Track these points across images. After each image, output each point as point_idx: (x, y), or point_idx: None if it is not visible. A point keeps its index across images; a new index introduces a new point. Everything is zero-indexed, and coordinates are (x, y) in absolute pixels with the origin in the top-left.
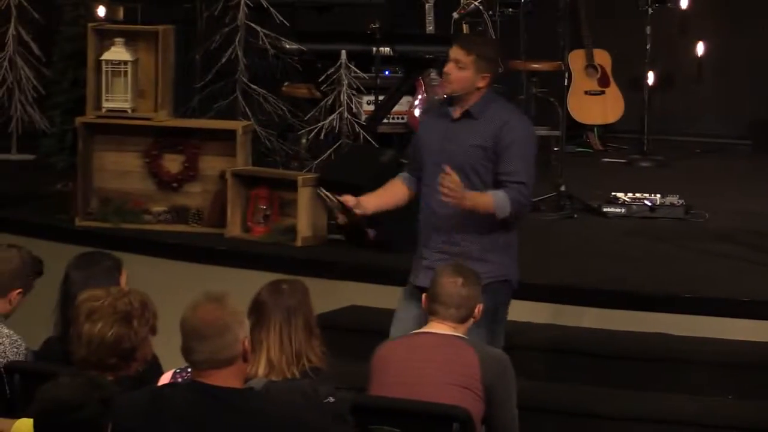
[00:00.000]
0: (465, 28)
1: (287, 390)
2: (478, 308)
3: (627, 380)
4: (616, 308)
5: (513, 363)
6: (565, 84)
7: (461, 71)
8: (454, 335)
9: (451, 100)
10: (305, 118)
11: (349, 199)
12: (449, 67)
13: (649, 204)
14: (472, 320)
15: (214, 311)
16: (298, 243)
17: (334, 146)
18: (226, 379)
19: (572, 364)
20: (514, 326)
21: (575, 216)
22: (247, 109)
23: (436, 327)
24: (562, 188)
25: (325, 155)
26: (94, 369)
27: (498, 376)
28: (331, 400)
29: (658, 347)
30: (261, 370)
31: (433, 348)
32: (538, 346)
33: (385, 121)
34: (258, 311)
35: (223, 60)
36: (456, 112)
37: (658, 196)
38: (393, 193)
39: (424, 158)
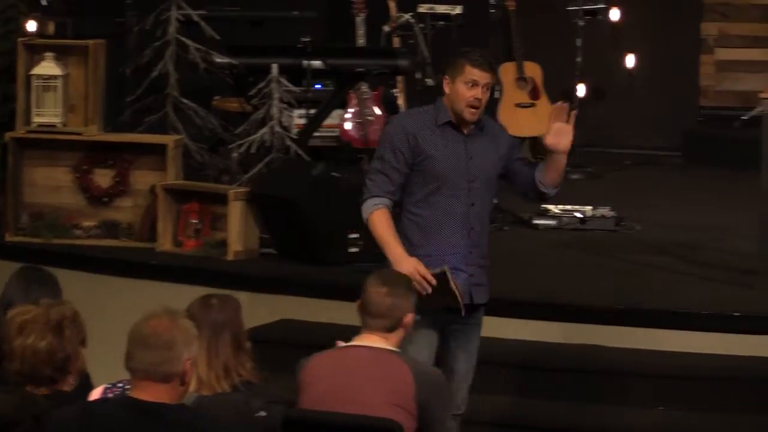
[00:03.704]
0: (396, 42)
1: (218, 405)
2: (408, 317)
3: (561, 392)
4: (549, 320)
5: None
6: (496, 96)
7: (486, 93)
8: (388, 349)
9: (443, 113)
10: (236, 132)
11: (429, 277)
12: (482, 93)
13: (580, 216)
14: (402, 330)
15: (165, 324)
16: (230, 257)
17: (265, 160)
18: (159, 395)
19: (506, 377)
20: None
21: (506, 228)
22: (178, 123)
23: (368, 339)
24: (494, 201)
25: (256, 169)
26: (29, 383)
27: (433, 395)
28: (263, 414)
29: (591, 359)
30: (191, 386)
31: (367, 364)
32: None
33: (316, 134)
34: None
35: (154, 74)
36: (465, 129)
37: (589, 208)
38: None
39: (449, 176)
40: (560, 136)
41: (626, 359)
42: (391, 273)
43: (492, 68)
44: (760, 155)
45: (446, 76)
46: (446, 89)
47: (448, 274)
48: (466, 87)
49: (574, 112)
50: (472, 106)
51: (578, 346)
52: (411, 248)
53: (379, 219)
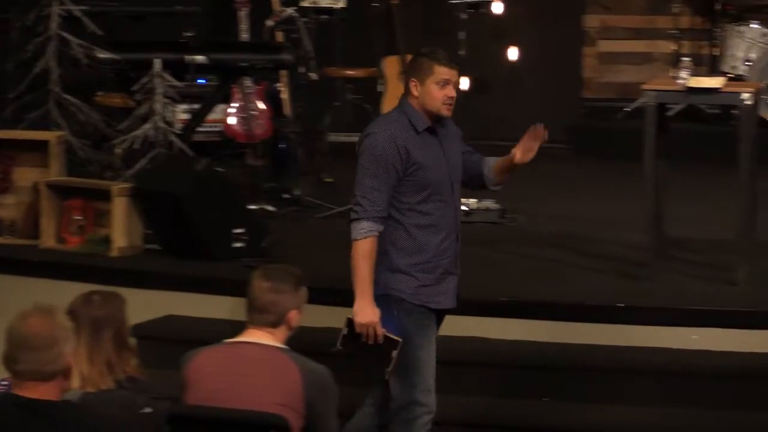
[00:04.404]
0: (279, 36)
1: (103, 401)
2: (292, 314)
3: (446, 383)
4: None
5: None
6: (380, 90)
7: (455, 90)
8: (276, 347)
9: (419, 119)
10: (119, 128)
11: (380, 336)
12: (454, 91)
13: (465, 208)
14: (285, 327)
15: (44, 323)
16: (114, 253)
17: (149, 156)
18: (45, 393)
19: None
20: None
21: None
22: (60, 119)
23: (254, 335)
24: None
25: (140, 165)
26: None
27: (320, 393)
28: (148, 410)
29: (478, 352)
30: (75, 382)
31: (255, 362)
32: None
33: (200, 129)
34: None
35: (36, 70)
36: (437, 128)
37: (474, 200)
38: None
39: (437, 182)
40: (528, 152)
41: (510, 351)
42: (280, 269)
43: (457, 64)
44: (643, 146)
45: (413, 79)
46: (415, 92)
47: (398, 347)
48: (438, 87)
49: (545, 132)
50: (447, 104)
51: (461, 338)
52: (403, 257)
53: (365, 252)
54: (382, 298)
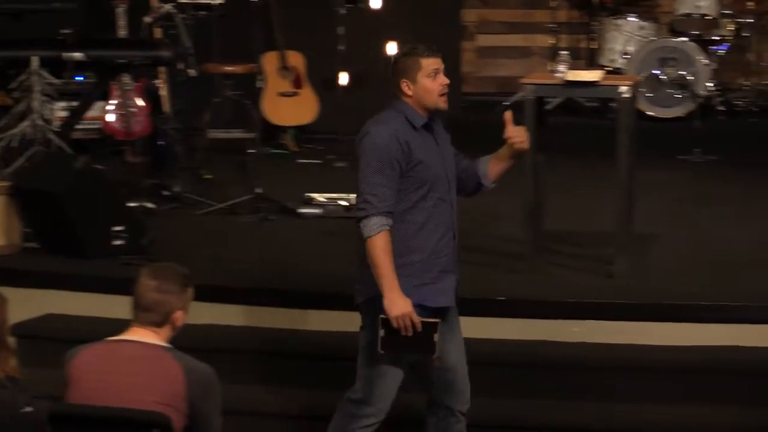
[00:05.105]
0: (158, 32)
1: None
2: (177, 315)
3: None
4: (317, 308)
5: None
6: (260, 86)
7: None
8: (159, 345)
9: (416, 115)
10: None
11: (417, 323)
12: (446, 79)
13: (345, 204)
14: (169, 327)
15: None
16: None
17: (27, 154)
18: None
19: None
20: (212, 330)
21: (272, 218)
22: None
23: (137, 333)
24: (258, 190)
25: (17, 163)
26: None
27: (203, 392)
28: (29, 409)
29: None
30: None
31: (138, 361)
32: (247, 348)
33: (78, 127)
34: None
35: None
36: (433, 125)
37: (354, 195)
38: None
39: (436, 179)
40: (522, 142)
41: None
42: (168, 268)
43: (438, 51)
44: None
45: (404, 80)
46: (408, 91)
47: (438, 327)
48: (430, 79)
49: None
50: (443, 94)
51: (348, 333)
52: (400, 257)
53: (382, 246)
54: (375, 300)
